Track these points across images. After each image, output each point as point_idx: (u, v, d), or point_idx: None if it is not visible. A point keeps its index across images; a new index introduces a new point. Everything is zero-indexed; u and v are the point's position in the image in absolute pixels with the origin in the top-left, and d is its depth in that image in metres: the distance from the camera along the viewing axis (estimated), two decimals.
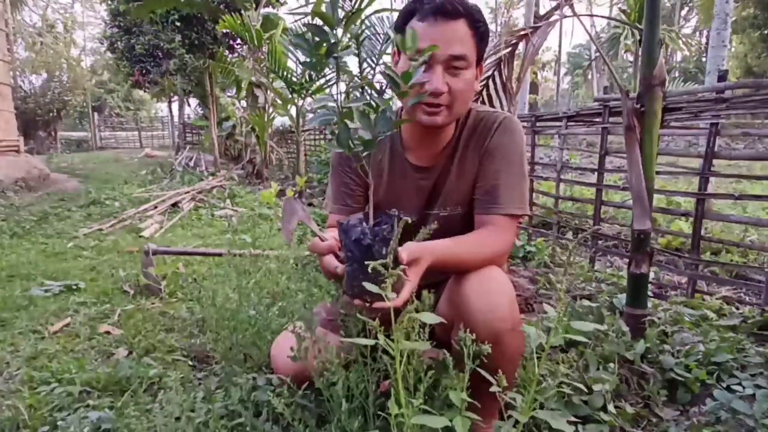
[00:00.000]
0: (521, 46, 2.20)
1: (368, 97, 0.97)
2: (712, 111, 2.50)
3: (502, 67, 2.21)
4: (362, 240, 0.94)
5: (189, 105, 15.86)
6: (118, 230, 5.18)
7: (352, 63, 0.97)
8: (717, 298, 2.43)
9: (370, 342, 0.86)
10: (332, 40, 0.91)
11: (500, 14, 29.40)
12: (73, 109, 20.52)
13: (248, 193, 7.80)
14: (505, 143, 1.22)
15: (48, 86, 19.27)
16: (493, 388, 0.87)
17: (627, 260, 1.96)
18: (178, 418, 1.27)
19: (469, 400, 0.90)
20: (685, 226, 3.77)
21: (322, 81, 6.88)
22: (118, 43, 10.81)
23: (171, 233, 5.12)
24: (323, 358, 1.09)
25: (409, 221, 0.94)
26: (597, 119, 3.50)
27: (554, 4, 2.26)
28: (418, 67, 0.94)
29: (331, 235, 1.08)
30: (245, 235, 3.96)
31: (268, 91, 9.04)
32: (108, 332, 2.30)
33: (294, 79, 7.42)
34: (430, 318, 0.88)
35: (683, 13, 26.39)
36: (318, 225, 1.10)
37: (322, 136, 10.22)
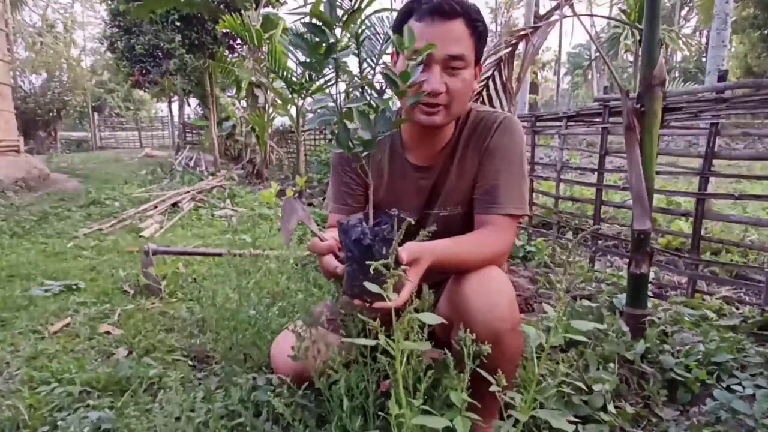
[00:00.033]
0: (521, 46, 2.20)
1: (368, 97, 0.97)
2: (712, 111, 2.50)
3: (502, 67, 2.21)
4: (362, 240, 0.94)
5: (189, 105, 15.87)
6: (118, 230, 5.18)
7: (352, 63, 0.97)
8: (717, 298, 2.43)
9: (371, 342, 0.86)
10: (331, 40, 0.91)
11: (500, 14, 29.41)
12: (73, 109, 20.52)
13: (248, 193, 7.80)
14: (505, 143, 1.22)
15: (48, 86, 19.27)
16: (493, 388, 0.87)
17: (627, 260, 1.96)
18: (178, 418, 1.27)
19: (470, 400, 0.90)
20: (685, 226, 3.77)
21: (322, 81, 6.89)
22: (118, 43, 10.81)
23: (171, 233, 5.12)
24: (325, 357, 1.09)
25: (412, 222, 0.94)
26: (597, 119, 3.50)
27: (554, 4, 2.26)
28: (416, 67, 0.94)
29: (331, 235, 1.08)
30: (245, 235, 3.96)
31: (268, 91, 9.04)
32: (108, 332, 2.30)
33: (294, 79, 7.42)
34: (431, 318, 0.88)
35: (683, 13, 26.39)
36: (318, 225, 1.10)
37: (322, 136, 10.23)
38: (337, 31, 0.92)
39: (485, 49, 1.29)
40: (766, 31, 18.28)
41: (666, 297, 2.58)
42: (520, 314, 1.13)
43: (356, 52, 0.96)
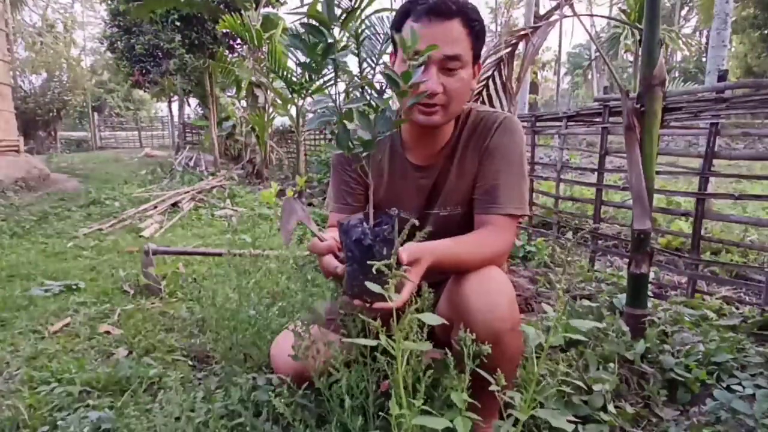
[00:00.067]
0: (521, 46, 2.20)
1: (367, 98, 0.97)
2: (712, 111, 2.50)
3: (502, 67, 2.21)
4: (363, 240, 0.94)
5: (189, 105, 15.86)
6: (118, 230, 5.18)
7: (352, 63, 0.97)
8: (717, 298, 2.43)
9: (373, 342, 0.86)
10: (329, 41, 0.91)
11: (500, 14, 29.41)
12: (73, 109, 20.52)
13: (248, 193, 7.80)
14: (505, 143, 1.22)
15: (48, 86, 19.26)
16: (492, 387, 0.87)
17: (627, 260, 1.96)
18: (178, 418, 1.27)
19: (470, 400, 0.90)
20: (685, 226, 3.77)
21: (322, 81, 6.88)
22: (118, 43, 10.80)
23: (171, 233, 5.12)
24: (326, 355, 1.09)
25: (416, 223, 0.93)
26: (597, 119, 3.50)
27: (554, 3, 2.26)
28: (417, 67, 0.93)
29: (331, 236, 1.09)
30: (245, 235, 3.96)
31: (268, 91, 9.04)
32: (108, 332, 2.30)
33: (294, 79, 7.42)
34: (432, 319, 0.88)
35: (683, 13, 26.39)
36: (317, 225, 1.10)
37: (322, 136, 10.23)
38: (336, 30, 0.92)
39: (485, 49, 1.29)
40: (766, 31, 18.27)
41: (666, 297, 2.58)
42: (520, 314, 1.13)
43: (356, 51, 0.96)
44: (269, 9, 9.83)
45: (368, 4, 0.91)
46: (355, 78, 0.98)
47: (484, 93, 2.26)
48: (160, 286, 2.85)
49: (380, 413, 1.09)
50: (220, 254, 3.16)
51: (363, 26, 0.96)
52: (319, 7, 0.89)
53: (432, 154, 1.28)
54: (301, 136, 8.49)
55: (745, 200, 3.45)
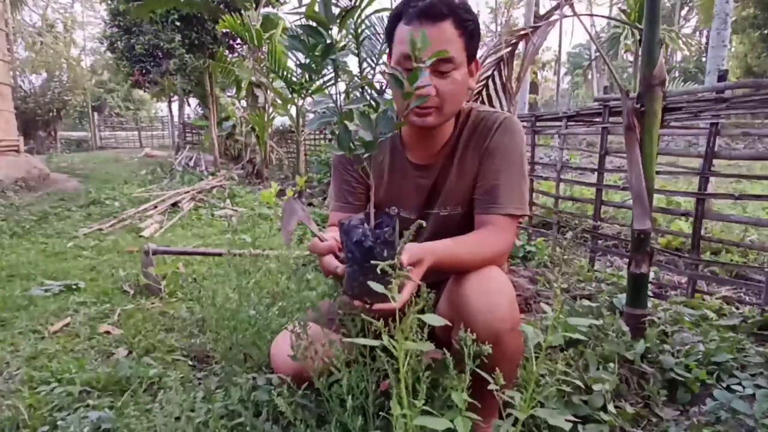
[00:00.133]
0: (521, 45, 2.20)
1: (368, 98, 0.96)
2: (712, 111, 2.50)
3: (501, 66, 2.21)
4: (363, 242, 0.94)
5: (189, 105, 15.86)
6: (118, 230, 5.18)
7: (352, 62, 0.97)
8: (717, 298, 2.43)
9: (375, 343, 0.86)
10: (327, 41, 0.90)
11: (500, 14, 29.41)
12: (73, 109, 20.52)
13: (248, 193, 7.80)
14: (505, 143, 1.22)
15: (48, 86, 19.27)
16: (491, 387, 0.87)
17: (627, 260, 1.96)
18: (178, 418, 1.27)
19: (470, 400, 0.90)
20: (685, 226, 3.77)
21: (322, 81, 6.90)
22: (118, 42, 10.80)
23: (171, 233, 5.12)
24: (325, 355, 1.09)
25: (423, 224, 0.93)
26: (597, 119, 3.50)
27: (554, 3, 2.26)
28: (423, 70, 0.93)
29: (331, 235, 1.09)
30: (245, 235, 3.96)
31: (268, 91, 9.04)
32: (108, 332, 2.30)
33: (294, 78, 7.42)
34: (435, 320, 0.88)
35: (683, 13, 26.39)
36: (318, 225, 1.10)
37: (322, 136, 10.23)
38: (335, 30, 0.92)
39: (485, 48, 1.29)
40: (766, 31, 18.28)
41: (666, 297, 2.58)
42: (520, 314, 1.13)
43: (356, 51, 0.96)
44: (269, 9, 9.83)
45: (368, 4, 0.91)
46: (355, 78, 0.98)
47: (484, 93, 2.26)
48: (160, 286, 2.85)
49: (380, 413, 1.09)
50: (220, 254, 3.16)
51: (363, 26, 0.96)
52: (316, 8, 0.88)
53: (432, 153, 1.28)
54: (301, 136, 8.49)
55: (745, 200, 3.45)
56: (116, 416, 1.45)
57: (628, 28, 18.15)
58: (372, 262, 0.86)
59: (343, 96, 0.98)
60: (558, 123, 4.06)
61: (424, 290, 0.98)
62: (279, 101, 8.87)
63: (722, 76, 2.80)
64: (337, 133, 0.98)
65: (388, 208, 1.33)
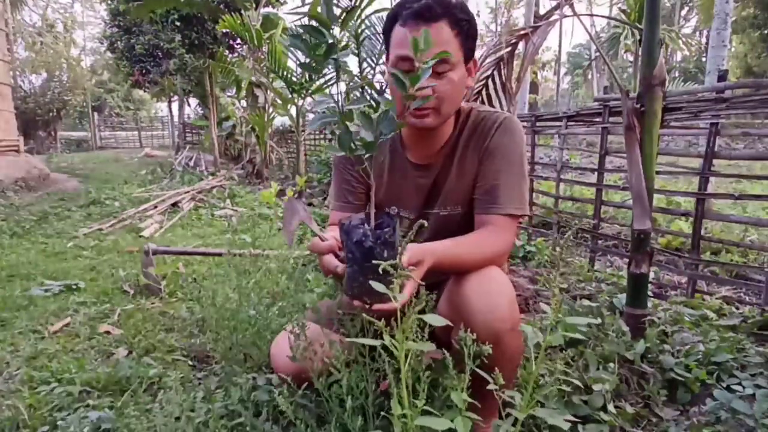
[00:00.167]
0: (521, 45, 2.20)
1: (368, 98, 0.96)
2: (712, 111, 2.50)
3: (501, 66, 2.21)
4: (364, 242, 0.94)
5: (189, 105, 15.86)
6: (118, 230, 5.18)
7: (352, 62, 0.97)
8: (717, 298, 2.43)
9: (376, 342, 0.86)
10: (329, 41, 0.90)
11: (500, 14, 29.40)
12: (73, 109, 20.51)
13: (248, 193, 7.80)
14: (505, 143, 1.22)
15: (48, 86, 19.26)
16: (490, 386, 0.88)
17: (627, 260, 1.96)
18: (178, 418, 1.27)
19: (470, 400, 0.90)
20: (685, 226, 3.77)
21: (322, 81, 6.91)
22: (118, 42, 10.80)
23: (171, 233, 5.12)
24: (326, 355, 1.09)
25: (425, 224, 0.93)
26: (597, 119, 3.50)
27: (554, 3, 2.26)
28: (425, 71, 0.93)
29: (331, 235, 1.09)
30: (245, 235, 3.96)
31: (268, 91, 9.04)
32: (108, 332, 2.30)
33: (294, 78, 7.42)
34: (436, 320, 0.88)
35: (683, 13, 26.39)
36: (318, 225, 1.10)
37: (322, 136, 10.23)
38: (336, 30, 0.92)
39: (485, 48, 1.29)
40: (766, 31, 18.27)
41: (666, 297, 2.58)
42: (520, 314, 1.13)
43: (356, 51, 0.96)
44: (269, 9, 9.82)
45: (368, 4, 0.91)
46: (356, 78, 0.98)
47: (484, 93, 2.26)
48: (160, 286, 2.85)
49: (380, 413, 1.09)
50: (220, 254, 3.16)
51: (363, 26, 0.96)
52: (318, 8, 0.89)
53: (431, 153, 1.28)
54: (301, 136, 8.49)
55: (745, 200, 3.45)
56: (116, 416, 1.45)
57: (628, 28, 18.15)
58: (372, 262, 0.86)
59: (343, 96, 0.98)
60: (558, 123, 4.06)
61: (423, 291, 0.99)
62: (279, 101, 8.87)
63: (722, 76, 2.80)
64: (337, 133, 0.98)
65: (388, 208, 1.33)
